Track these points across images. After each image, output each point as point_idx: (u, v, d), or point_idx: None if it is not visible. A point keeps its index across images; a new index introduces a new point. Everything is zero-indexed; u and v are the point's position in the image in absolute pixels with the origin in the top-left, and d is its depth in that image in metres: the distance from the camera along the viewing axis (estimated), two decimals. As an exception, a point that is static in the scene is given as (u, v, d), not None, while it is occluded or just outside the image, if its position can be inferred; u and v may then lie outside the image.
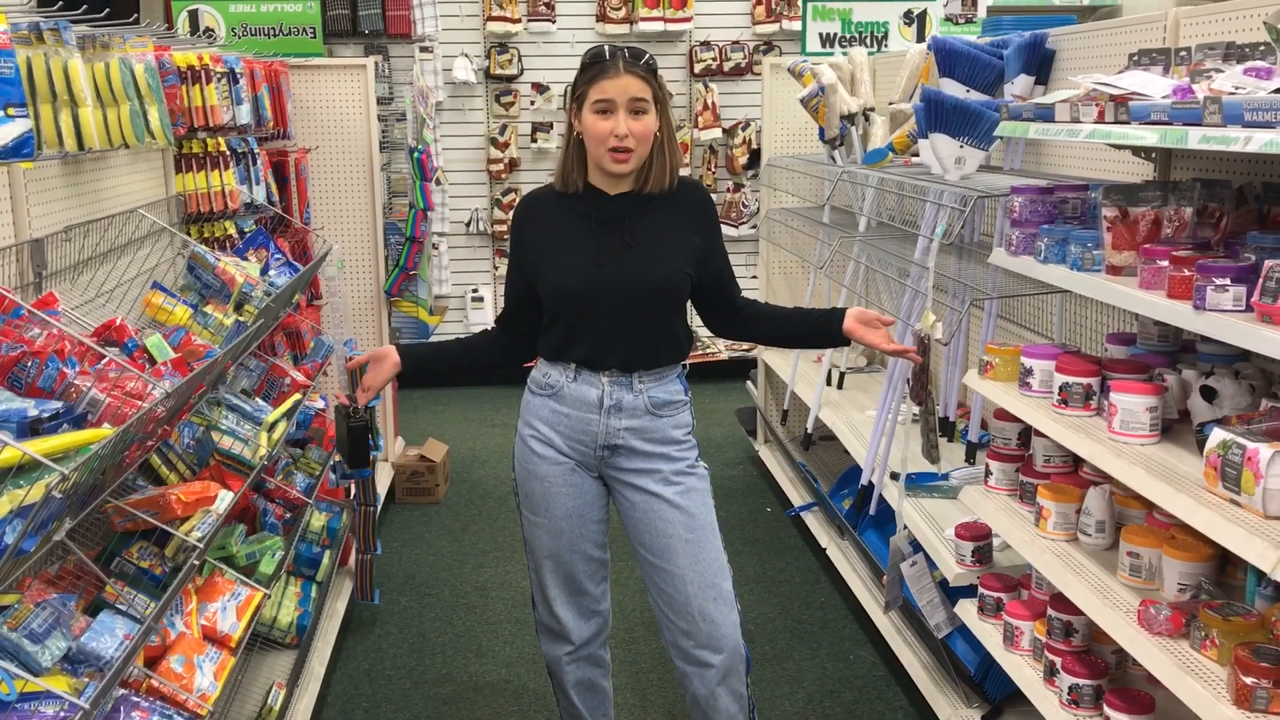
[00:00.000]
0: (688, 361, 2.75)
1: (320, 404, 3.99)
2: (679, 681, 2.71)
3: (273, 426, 2.99)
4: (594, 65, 2.47)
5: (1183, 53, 2.38)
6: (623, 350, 2.55)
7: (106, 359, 2.15)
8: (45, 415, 1.84)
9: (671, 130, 2.55)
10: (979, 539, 3.04)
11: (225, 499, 2.53)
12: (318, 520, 3.72)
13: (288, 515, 3.30)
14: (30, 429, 1.81)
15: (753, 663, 2.75)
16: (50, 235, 2.60)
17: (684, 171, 7.40)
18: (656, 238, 2.55)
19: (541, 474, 2.65)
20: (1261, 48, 2.15)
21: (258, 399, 3.22)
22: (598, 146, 2.46)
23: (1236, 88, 1.95)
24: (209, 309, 2.99)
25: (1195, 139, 1.91)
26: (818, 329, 2.69)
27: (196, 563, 2.37)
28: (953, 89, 3.56)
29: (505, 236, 7.62)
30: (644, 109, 2.45)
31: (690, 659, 2.64)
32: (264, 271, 3.44)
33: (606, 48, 2.49)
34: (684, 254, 2.57)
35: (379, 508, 4.40)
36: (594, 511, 2.69)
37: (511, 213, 2.67)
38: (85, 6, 2.79)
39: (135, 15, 5.26)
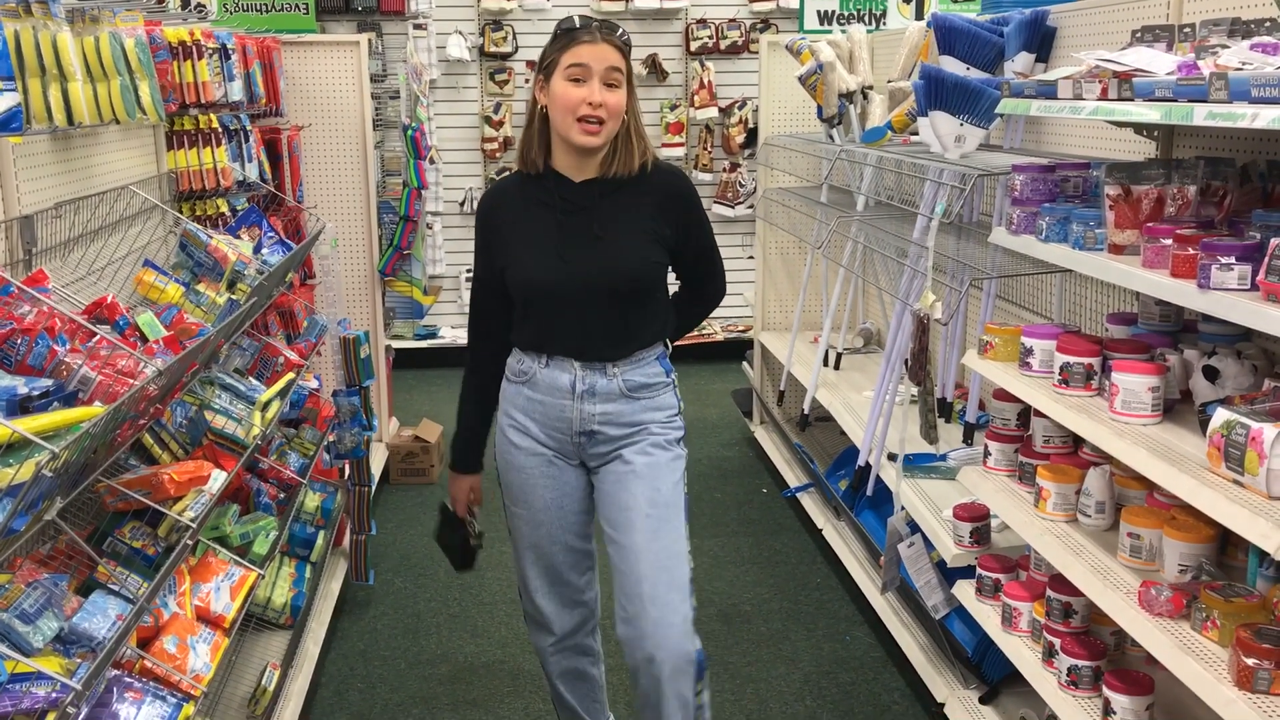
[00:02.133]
0: (675, 342, 2.70)
1: (314, 384, 3.96)
2: (630, 680, 2.57)
3: (266, 406, 2.97)
4: (568, 33, 2.39)
5: (1187, 29, 2.36)
6: (595, 341, 2.50)
7: (98, 337, 2.12)
8: (35, 393, 1.81)
9: (638, 114, 2.49)
10: (977, 520, 3.02)
11: (218, 479, 2.50)
12: (312, 500, 3.70)
13: (281, 495, 3.28)
14: (20, 407, 1.78)
15: (706, 669, 2.60)
16: (40, 212, 2.57)
17: (679, 153, 7.43)
18: (625, 227, 2.48)
19: (519, 464, 2.60)
20: (1268, 23, 2.12)
21: (251, 378, 3.19)
22: (566, 116, 2.38)
23: (1243, 63, 1.93)
24: (201, 287, 2.96)
25: (1201, 115, 1.88)
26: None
27: (190, 543, 2.35)
28: (953, 66, 3.53)
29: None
30: (618, 82, 2.38)
31: (635, 649, 2.47)
32: (257, 250, 3.40)
33: (578, 17, 2.42)
34: (654, 244, 2.50)
35: (373, 488, 4.38)
36: (574, 502, 2.63)
37: (476, 208, 2.60)
38: (74, -21, 2.75)
39: (126, -10, 5.20)
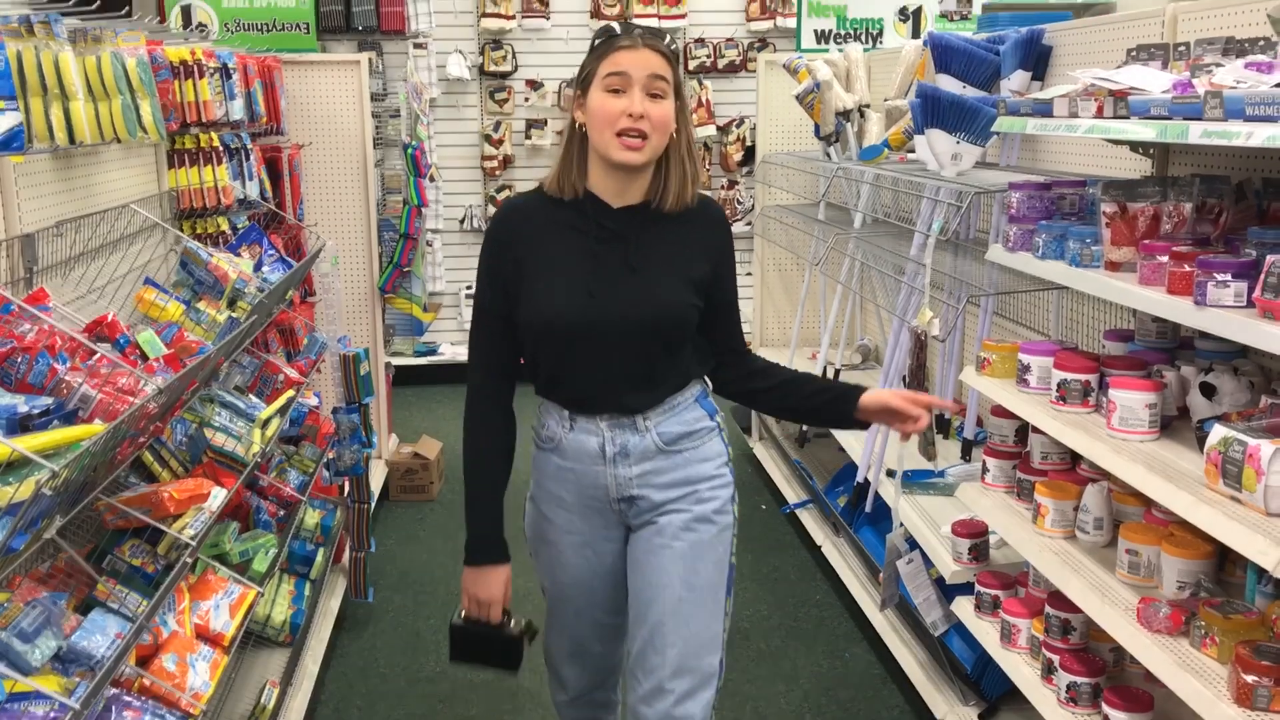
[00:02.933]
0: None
1: (314, 401, 3.97)
2: None
3: (266, 423, 2.97)
4: (606, 40, 2.11)
5: (1181, 48, 2.37)
6: (619, 391, 2.18)
7: (98, 355, 2.13)
8: (35, 411, 1.82)
9: (690, 137, 2.18)
10: (976, 536, 3.02)
11: (218, 496, 2.50)
12: (311, 517, 3.70)
13: (281, 513, 3.28)
14: (20, 425, 1.79)
15: (729, 681, 2.48)
16: (41, 230, 2.58)
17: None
18: (664, 261, 2.16)
19: (551, 539, 2.31)
20: (1261, 42, 2.14)
21: (251, 396, 3.20)
22: (605, 130, 2.07)
23: (1238, 82, 1.94)
24: (201, 305, 2.97)
25: (1196, 134, 1.90)
26: (830, 408, 2.32)
27: (189, 560, 2.35)
28: (949, 85, 3.54)
29: (499, 233, 7.59)
30: (663, 92, 2.08)
31: None
32: (257, 268, 3.42)
33: (617, 24, 2.14)
34: (694, 283, 2.18)
35: (373, 505, 4.38)
36: (608, 579, 2.31)
37: (490, 223, 2.24)
38: (75, 0, 2.77)
39: (127, 9, 5.23)
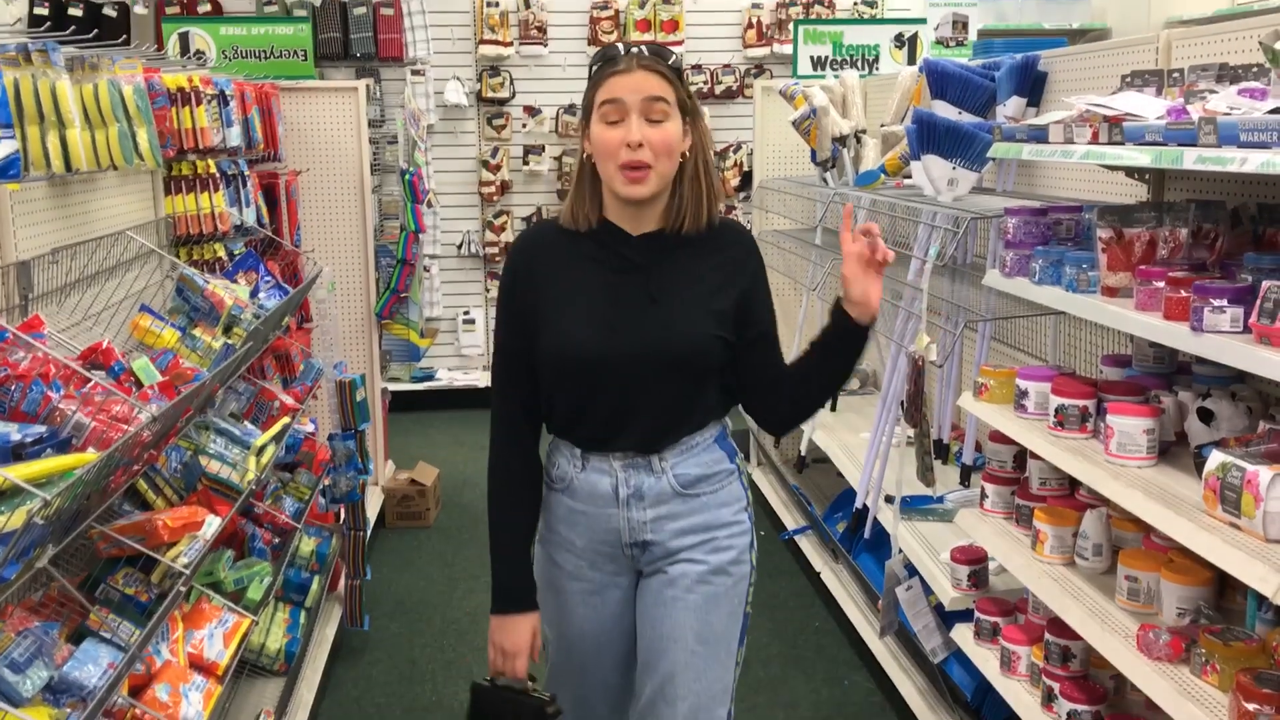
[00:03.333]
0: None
1: (310, 427, 3.96)
2: None
3: (261, 450, 2.96)
4: (602, 65, 2.00)
5: (1175, 74, 2.38)
6: (638, 429, 2.07)
7: (92, 382, 2.12)
8: (28, 440, 1.81)
9: (707, 152, 2.06)
10: (975, 562, 3.01)
11: (212, 524, 2.49)
12: (306, 545, 3.68)
13: (276, 540, 3.26)
14: (13, 454, 1.78)
15: (745, 696, 2.45)
16: (37, 257, 2.58)
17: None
18: (687, 291, 2.05)
19: (559, 586, 2.19)
20: (1255, 69, 2.15)
21: (246, 422, 3.19)
22: (607, 163, 1.98)
23: (1231, 108, 1.94)
24: (197, 332, 2.96)
25: (1191, 159, 1.90)
26: (830, 337, 2.14)
27: (183, 589, 2.33)
28: (945, 111, 3.56)
29: (498, 259, 7.61)
30: (664, 114, 1.96)
31: None
32: (253, 294, 3.41)
33: (619, 45, 2.02)
34: (719, 313, 2.06)
35: (368, 532, 4.36)
36: (617, 632, 2.19)
37: (506, 259, 2.16)
38: (73, 28, 2.77)
39: (125, 37, 5.25)
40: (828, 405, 4.81)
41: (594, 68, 2.03)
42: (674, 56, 2.03)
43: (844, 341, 2.13)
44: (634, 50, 2.00)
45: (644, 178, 1.97)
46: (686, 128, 2.02)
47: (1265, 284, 1.86)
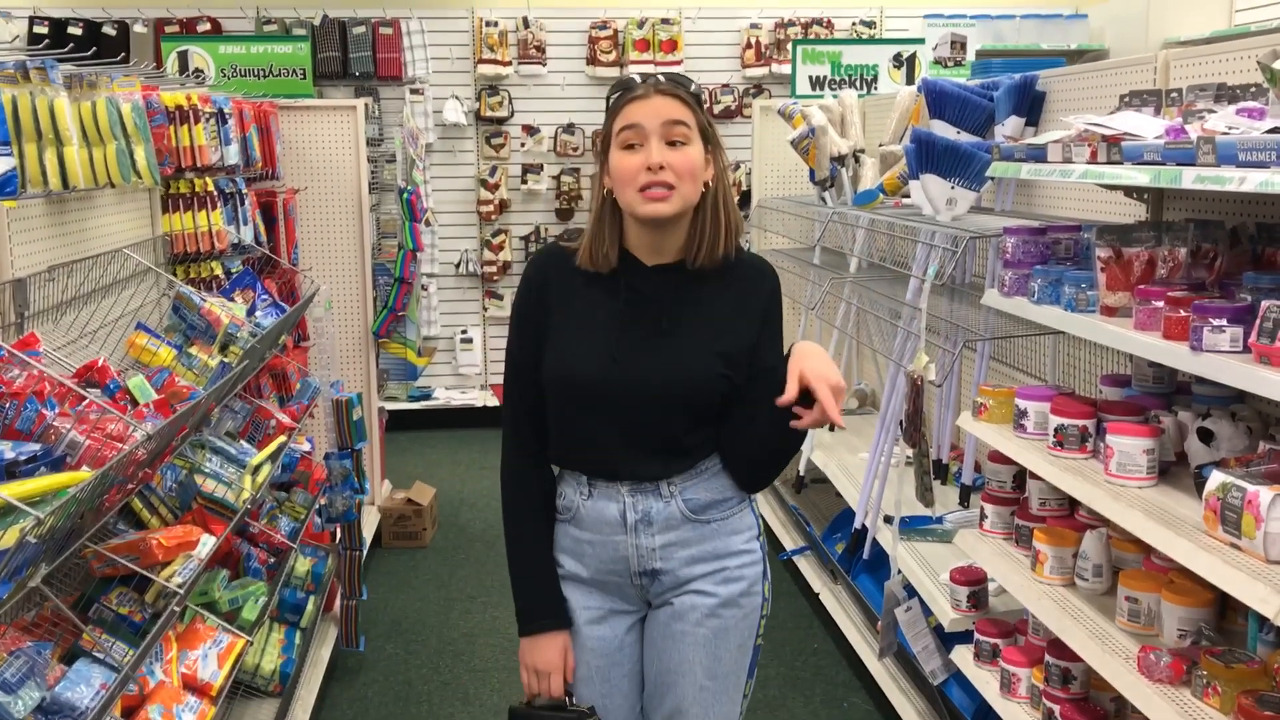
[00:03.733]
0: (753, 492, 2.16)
1: (306, 446, 3.95)
2: None
3: (257, 469, 2.94)
4: (620, 95, 1.97)
5: (1173, 94, 2.38)
6: (640, 458, 2.03)
7: (87, 400, 2.11)
8: (22, 458, 1.80)
9: (726, 184, 2.01)
10: (974, 583, 2.99)
11: (207, 543, 2.48)
12: (302, 565, 3.67)
13: (272, 560, 3.25)
14: (6, 472, 1.77)
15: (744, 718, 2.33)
16: (33, 275, 2.57)
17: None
18: (700, 327, 2.00)
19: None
20: (1253, 89, 2.15)
21: (242, 441, 3.18)
22: (627, 189, 1.92)
23: (1230, 128, 1.94)
24: (193, 350, 2.95)
25: (1189, 179, 1.90)
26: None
27: (177, 609, 2.32)
28: (943, 130, 3.56)
29: (496, 278, 7.61)
30: (684, 138, 1.92)
31: None
32: (250, 312, 3.41)
33: (637, 75, 1.99)
34: (727, 352, 2.00)
35: (364, 552, 4.34)
36: (623, 670, 2.13)
37: (524, 274, 2.10)
38: (71, 45, 2.78)
39: (123, 55, 5.26)
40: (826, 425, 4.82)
41: (611, 98, 1.99)
42: (693, 84, 1.99)
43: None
44: (650, 78, 1.96)
45: (667, 195, 1.91)
46: (709, 156, 1.97)
47: (1264, 303, 1.85)
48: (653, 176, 1.90)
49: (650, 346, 1.99)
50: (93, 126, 2.69)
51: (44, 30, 6.82)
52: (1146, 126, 2.21)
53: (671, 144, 1.92)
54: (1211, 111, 2.12)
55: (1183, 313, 2.03)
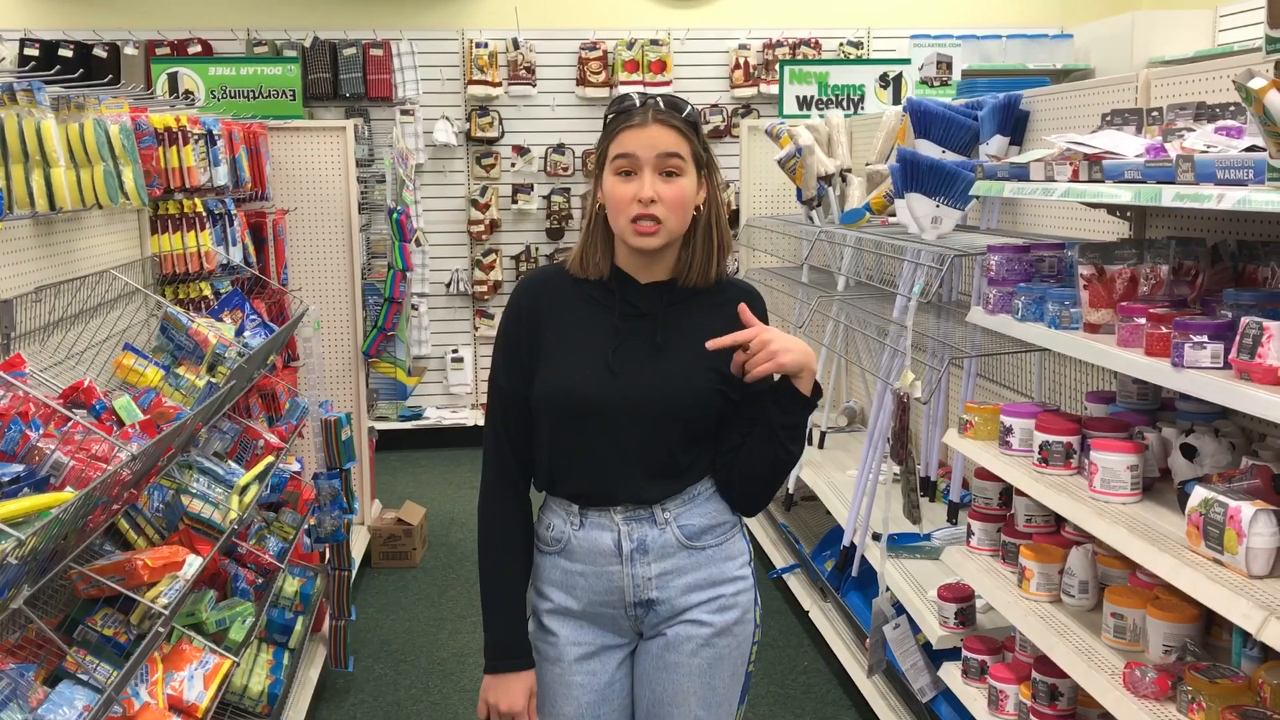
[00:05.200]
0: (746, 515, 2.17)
1: (295, 466, 3.94)
2: None
3: (244, 490, 2.94)
4: (616, 117, 1.98)
5: (1154, 113, 2.40)
6: (636, 479, 2.01)
7: (72, 421, 2.11)
8: (5, 479, 1.80)
9: (720, 206, 2.03)
10: (962, 600, 3.00)
11: (194, 564, 2.47)
12: (290, 585, 3.65)
13: (259, 580, 3.24)
14: (-11, 493, 1.76)
15: None
16: (19, 296, 2.57)
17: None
18: (692, 343, 1.98)
19: (551, 657, 2.07)
20: (1231, 108, 2.17)
21: (230, 462, 3.17)
22: (619, 217, 1.95)
23: (1208, 146, 1.96)
24: (181, 370, 2.95)
25: (1169, 197, 1.91)
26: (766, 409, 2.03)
27: (163, 630, 2.31)
28: (928, 150, 3.58)
29: (486, 298, 7.62)
30: (678, 170, 1.94)
31: None
32: (239, 333, 3.41)
33: (635, 95, 1.99)
34: (721, 369, 1.99)
35: (353, 572, 4.33)
36: (615, 706, 2.10)
37: (510, 298, 2.09)
38: (58, 68, 2.79)
39: (110, 77, 5.27)
40: (815, 442, 4.82)
41: (609, 117, 2.00)
42: (689, 108, 2.00)
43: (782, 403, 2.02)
44: (650, 101, 1.96)
45: (655, 230, 1.94)
46: (701, 180, 2.00)
47: (1244, 320, 1.87)
48: (643, 209, 1.92)
49: (647, 361, 1.99)
50: (80, 148, 2.70)
51: (34, 52, 6.83)
52: (1127, 145, 2.23)
53: (665, 175, 1.94)
54: (1191, 130, 2.14)
55: (1164, 329, 2.05)
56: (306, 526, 3.77)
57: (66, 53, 6.89)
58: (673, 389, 1.98)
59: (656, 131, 1.93)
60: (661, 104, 1.96)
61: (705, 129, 7.36)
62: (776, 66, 7.01)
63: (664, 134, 1.93)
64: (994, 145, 3.43)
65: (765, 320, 2.08)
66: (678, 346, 2.00)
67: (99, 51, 7.04)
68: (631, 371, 1.98)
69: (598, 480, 2.01)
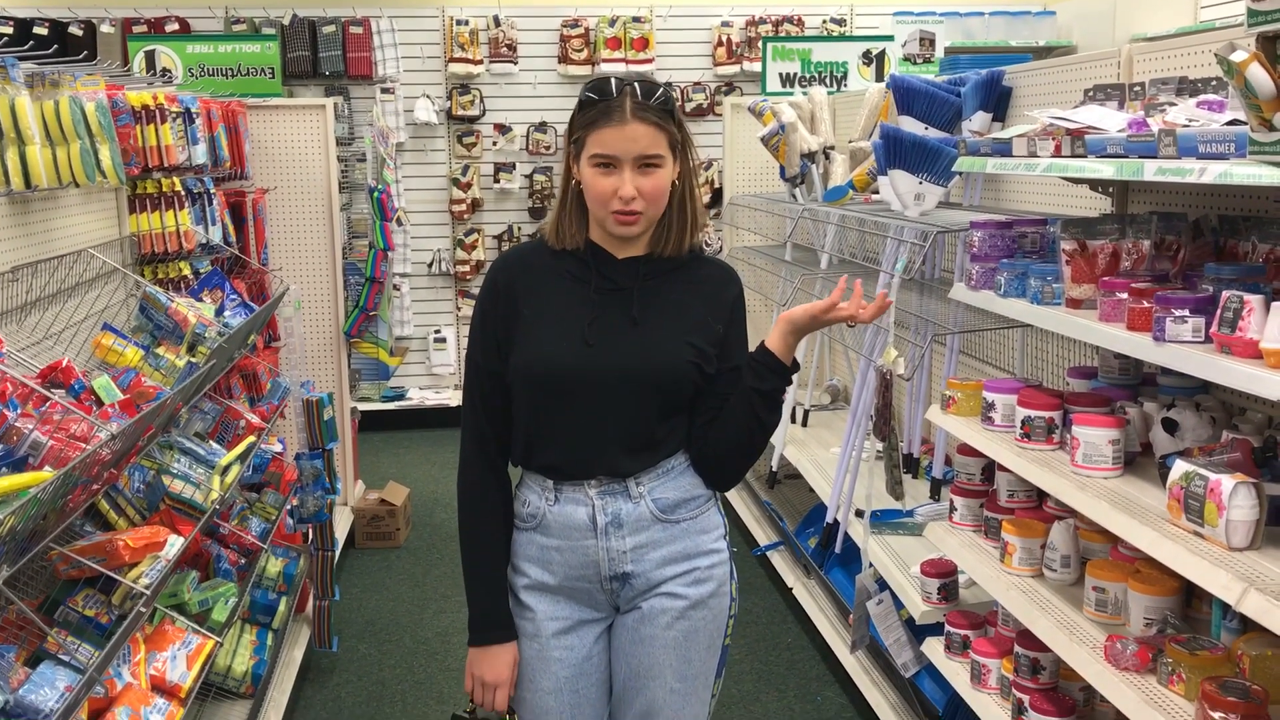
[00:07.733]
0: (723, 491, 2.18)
1: (278, 447, 3.92)
2: None
3: (226, 470, 2.92)
4: (594, 105, 1.95)
5: (1137, 88, 2.40)
6: (611, 451, 2.02)
7: (51, 401, 2.09)
8: (-17, 459, 1.78)
9: (693, 182, 2.06)
10: (944, 576, 3.01)
11: (175, 544, 2.46)
12: (274, 566, 3.64)
13: (242, 561, 3.22)
14: (-34, 473, 1.75)
15: (718, 714, 2.40)
16: (-4, 275, 2.55)
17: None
18: (669, 316, 2.03)
19: (529, 633, 2.08)
20: (1214, 82, 2.17)
21: (212, 442, 3.16)
22: (598, 207, 1.98)
23: (1190, 120, 1.96)
24: (161, 350, 2.93)
25: (1151, 171, 1.92)
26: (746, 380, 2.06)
27: (144, 610, 2.30)
28: (911, 126, 3.58)
29: (469, 278, 7.59)
30: (657, 163, 1.95)
31: None
32: (219, 312, 3.38)
33: (612, 81, 1.96)
34: (697, 342, 2.02)
35: (337, 552, 4.32)
36: (593, 680, 2.11)
37: (486, 276, 2.12)
38: (31, 44, 2.75)
39: (85, 54, 5.21)
40: (798, 420, 4.83)
41: (584, 103, 1.97)
42: (666, 95, 1.98)
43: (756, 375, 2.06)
44: (627, 88, 1.94)
45: (635, 220, 1.97)
46: (676, 157, 2.00)
47: (1225, 294, 1.87)
48: (623, 205, 1.94)
49: (623, 334, 2.01)
50: (55, 126, 2.66)
51: (8, 30, 6.75)
52: (1110, 120, 2.23)
53: (643, 168, 1.94)
54: (1173, 104, 2.14)
55: (1146, 304, 2.05)
56: (289, 507, 3.75)
57: (41, 30, 6.81)
58: (648, 361, 2.00)
59: (635, 130, 1.93)
60: (639, 93, 1.94)
61: (688, 107, 7.41)
62: (759, 44, 6.99)
63: (643, 132, 1.93)
64: (977, 121, 3.43)
65: (740, 301, 2.12)
66: (654, 320, 2.02)
67: (74, 29, 6.96)
68: (608, 344, 2.00)
69: (573, 453, 2.03)
